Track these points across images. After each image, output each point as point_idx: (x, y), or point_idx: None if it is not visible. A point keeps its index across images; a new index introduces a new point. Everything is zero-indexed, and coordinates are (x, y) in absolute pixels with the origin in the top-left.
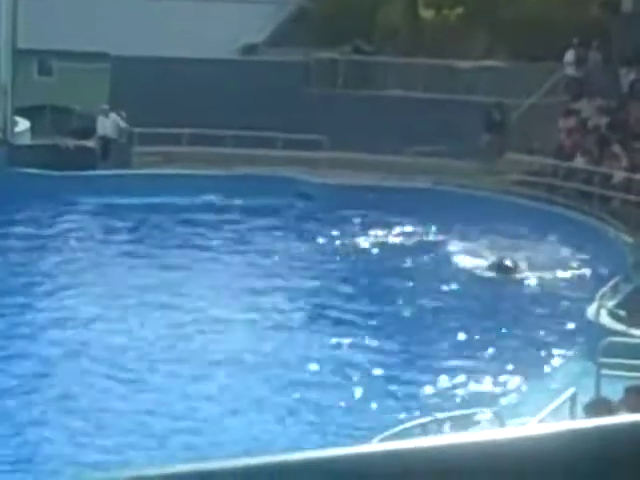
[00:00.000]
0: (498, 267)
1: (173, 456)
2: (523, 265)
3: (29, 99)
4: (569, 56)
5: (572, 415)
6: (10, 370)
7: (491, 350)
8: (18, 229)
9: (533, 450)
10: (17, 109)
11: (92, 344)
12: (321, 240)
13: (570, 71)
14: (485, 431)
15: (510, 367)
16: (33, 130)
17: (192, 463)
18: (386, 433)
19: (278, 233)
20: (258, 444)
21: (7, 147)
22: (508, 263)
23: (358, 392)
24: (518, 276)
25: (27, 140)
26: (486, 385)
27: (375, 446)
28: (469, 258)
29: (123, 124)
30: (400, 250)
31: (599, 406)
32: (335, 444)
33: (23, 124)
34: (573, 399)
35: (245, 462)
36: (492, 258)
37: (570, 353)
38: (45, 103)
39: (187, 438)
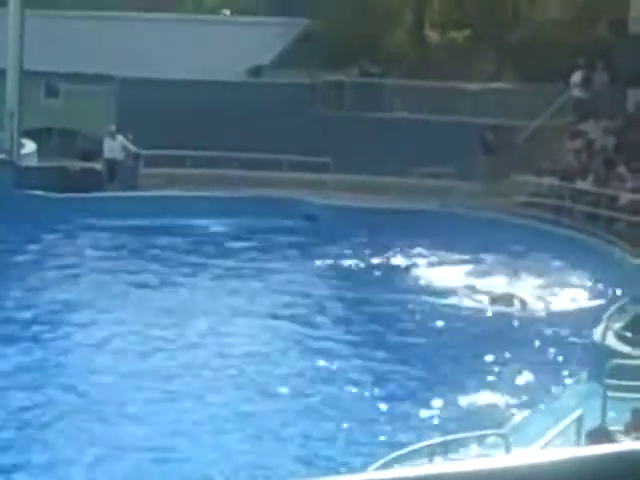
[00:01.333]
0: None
1: None
2: (528, 289)
3: (36, 121)
4: (576, 77)
5: (578, 437)
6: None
7: (497, 372)
8: (24, 251)
9: (537, 477)
10: (24, 131)
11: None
12: (326, 262)
13: (576, 92)
14: (489, 458)
15: (516, 389)
16: (40, 152)
17: None
18: (390, 455)
19: (283, 254)
20: None
21: (14, 169)
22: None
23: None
24: (522, 300)
25: (34, 162)
26: (492, 407)
27: (378, 474)
28: (474, 279)
29: (130, 146)
30: (405, 272)
31: (600, 435)
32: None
33: (30, 146)
34: (579, 421)
35: None
36: (496, 281)
37: (576, 375)
38: (52, 125)
39: None
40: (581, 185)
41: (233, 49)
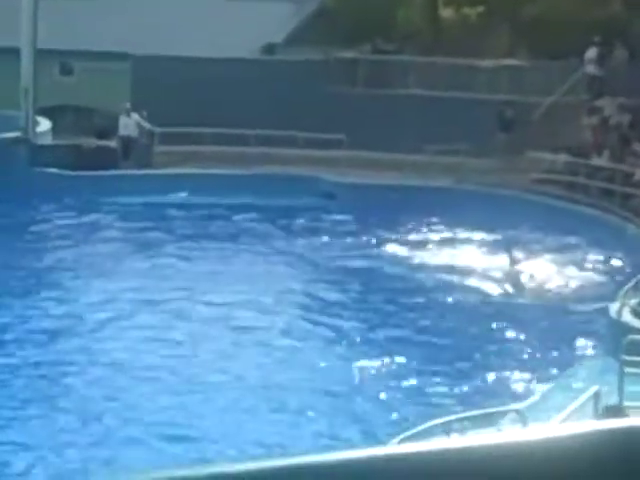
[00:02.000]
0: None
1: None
2: (542, 264)
3: (50, 99)
4: (590, 54)
5: (595, 413)
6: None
7: (511, 348)
8: (39, 229)
9: (558, 451)
10: (39, 109)
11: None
12: (347, 240)
13: (590, 69)
14: (508, 431)
15: (532, 366)
16: (54, 130)
17: (202, 465)
18: (407, 433)
19: (301, 232)
20: None
21: (29, 147)
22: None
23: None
24: (535, 274)
25: (49, 140)
26: (508, 383)
27: (394, 448)
28: (490, 257)
29: (145, 123)
30: (423, 249)
31: (617, 411)
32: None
33: (45, 124)
34: (596, 397)
35: (261, 465)
36: (511, 256)
37: (593, 351)
38: (66, 103)
39: None
40: (596, 161)
41: (247, 26)
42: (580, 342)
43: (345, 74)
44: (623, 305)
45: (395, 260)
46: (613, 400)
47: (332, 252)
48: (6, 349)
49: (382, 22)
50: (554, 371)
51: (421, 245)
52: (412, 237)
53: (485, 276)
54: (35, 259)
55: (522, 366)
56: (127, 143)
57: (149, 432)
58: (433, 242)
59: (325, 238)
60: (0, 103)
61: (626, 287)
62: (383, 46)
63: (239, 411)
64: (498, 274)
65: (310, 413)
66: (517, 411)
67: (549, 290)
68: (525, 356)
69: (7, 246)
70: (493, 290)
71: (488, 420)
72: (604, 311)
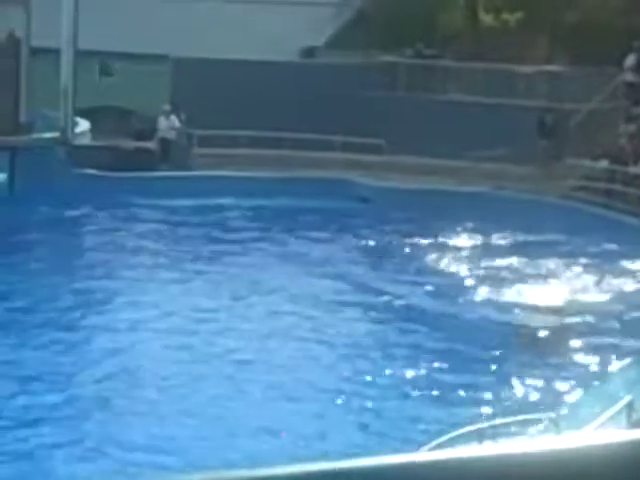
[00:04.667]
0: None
1: None
2: (579, 272)
3: (90, 100)
4: (629, 61)
5: (629, 423)
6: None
7: (546, 356)
8: (77, 229)
9: (590, 459)
10: (78, 110)
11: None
12: (380, 243)
13: (629, 76)
14: (540, 439)
15: (566, 373)
16: (93, 131)
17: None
18: (440, 439)
19: (335, 235)
20: None
21: (67, 148)
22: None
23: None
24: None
25: (87, 141)
26: (542, 392)
27: (427, 455)
28: (522, 261)
29: (177, 124)
30: (459, 253)
31: None
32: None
33: (83, 125)
34: (629, 407)
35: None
36: (546, 263)
37: (627, 360)
38: (106, 104)
39: None
40: (634, 169)
41: (287, 29)
42: (612, 349)
43: (385, 78)
44: None
45: (423, 261)
46: None
47: (359, 252)
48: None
49: (423, 27)
50: (588, 378)
51: (452, 247)
52: (444, 240)
53: (519, 280)
54: (76, 256)
55: (560, 372)
56: (166, 145)
57: None
58: (464, 245)
59: (356, 240)
60: (40, 104)
61: None
62: (424, 50)
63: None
64: (533, 279)
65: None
66: (550, 419)
67: (585, 295)
68: (561, 360)
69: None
70: (526, 291)
71: (521, 427)
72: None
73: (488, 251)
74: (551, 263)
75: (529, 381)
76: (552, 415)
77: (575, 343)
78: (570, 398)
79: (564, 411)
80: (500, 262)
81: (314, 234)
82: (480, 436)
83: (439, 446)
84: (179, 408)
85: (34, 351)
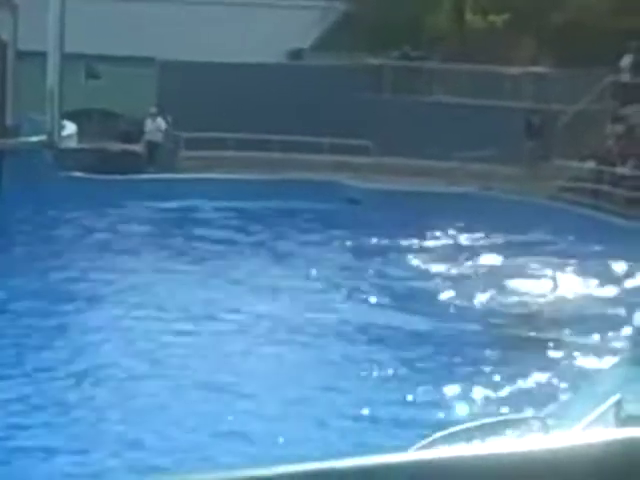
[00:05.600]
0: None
1: None
2: (566, 272)
3: (76, 103)
4: (625, 61)
5: (617, 421)
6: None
7: (535, 355)
8: (64, 232)
9: (578, 458)
10: (64, 113)
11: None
12: (369, 245)
13: (625, 77)
14: (529, 439)
15: (555, 373)
16: (80, 134)
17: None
18: (427, 440)
19: (324, 237)
20: None
21: (54, 151)
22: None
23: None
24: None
25: (74, 144)
26: (530, 390)
27: (414, 454)
28: (509, 261)
29: (163, 126)
30: (446, 254)
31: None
32: None
33: (70, 128)
34: (618, 405)
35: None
36: (533, 262)
37: (616, 359)
38: (92, 107)
39: None
40: (621, 170)
41: (274, 32)
42: (601, 349)
43: (371, 80)
44: None
45: (414, 262)
46: (635, 409)
47: (349, 255)
48: None
49: (409, 29)
50: (577, 377)
51: (440, 248)
52: (433, 241)
53: (507, 280)
54: (62, 259)
55: (551, 371)
56: (152, 148)
57: None
58: (453, 245)
59: (345, 242)
60: (27, 107)
61: None
62: (410, 52)
63: None
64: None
65: None
66: (539, 418)
67: (570, 295)
68: (552, 358)
69: (33, 251)
70: (514, 292)
71: (509, 427)
72: (626, 319)
73: (475, 251)
74: (537, 263)
75: (513, 381)
76: (540, 414)
77: (558, 343)
78: (556, 399)
79: (552, 410)
80: (487, 262)
81: (303, 236)
82: (468, 436)
83: (427, 446)
84: None
85: None
